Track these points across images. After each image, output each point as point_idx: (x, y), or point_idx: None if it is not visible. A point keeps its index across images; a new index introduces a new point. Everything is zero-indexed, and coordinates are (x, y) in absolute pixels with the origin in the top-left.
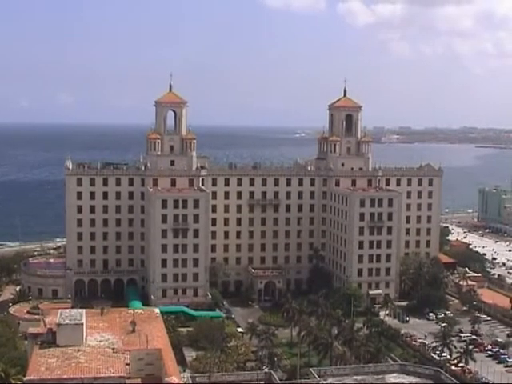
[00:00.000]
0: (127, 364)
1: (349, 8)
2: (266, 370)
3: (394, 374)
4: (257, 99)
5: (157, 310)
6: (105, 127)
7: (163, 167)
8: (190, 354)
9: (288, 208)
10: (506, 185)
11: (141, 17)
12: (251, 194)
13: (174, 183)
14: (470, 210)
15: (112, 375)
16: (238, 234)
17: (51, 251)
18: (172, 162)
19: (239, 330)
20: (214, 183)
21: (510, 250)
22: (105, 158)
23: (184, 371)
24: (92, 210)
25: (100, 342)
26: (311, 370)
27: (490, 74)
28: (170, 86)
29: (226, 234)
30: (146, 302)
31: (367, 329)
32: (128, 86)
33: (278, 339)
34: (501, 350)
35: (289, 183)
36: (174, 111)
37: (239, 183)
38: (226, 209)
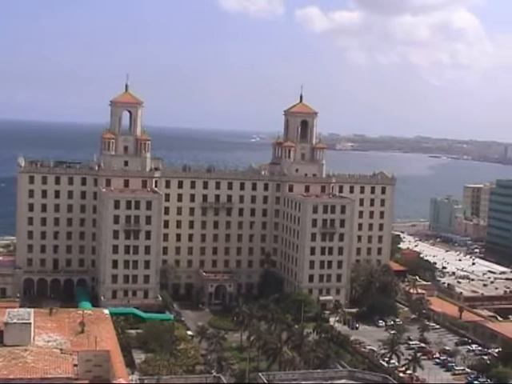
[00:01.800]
0: (75, 365)
1: (306, 14)
2: (214, 373)
3: (343, 381)
4: (214, 102)
5: (106, 312)
6: (61, 125)
7: (117, 167)
8: (138, 357)
9: (241, 212)
10: (457, 195)
11: (100, 17)
12: (204, 197)
13: (127, 184)
14: (421, 219)
15: (59, 376)
16: (190, 237)
17: (0, 249)
18: (126, 163)
19: (189, 333)
20: (168, 185)
21: (460, 260)
22: (58, 156)
23: (132, 373)
24: (43, 208)
25: (48, 342)
26: (260, 374)
27: (446, 85)
28: (126, 86)
29: (178, 237)
30: (96, 303)
31: (317, 334)
32: (86, 85)
33: (228, 343)
34: (448, 358)
35: (242, 187)
36: (129, 111)
37: (193, 186)
38: (179, 211)
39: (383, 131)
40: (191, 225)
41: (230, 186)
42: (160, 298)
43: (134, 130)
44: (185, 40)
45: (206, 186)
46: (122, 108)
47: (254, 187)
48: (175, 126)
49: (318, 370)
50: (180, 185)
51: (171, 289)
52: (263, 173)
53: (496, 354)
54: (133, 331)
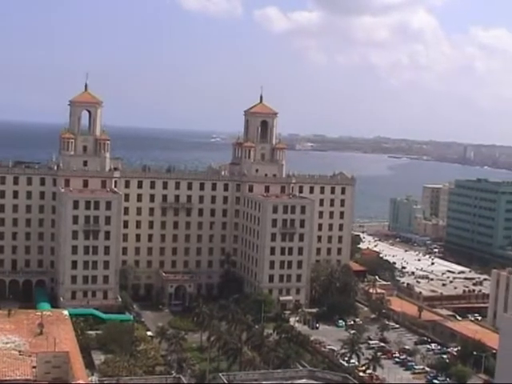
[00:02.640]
0: (34, 367)
1: (265, 14)
2: (174, 374)
3: (303, 380)
4: (174, 102)
5: (65, 313)
6: (21, 125)
7: (76, 167)
8: (98, 358)
9: (201, 212)
10: (416, 195)
11: (56, 15)
12: (164, 197)
13: (86, 184)
14: (381, 219)
15: (18, 378)
16: (150, 237)
17: None
18: (85, 163)
19: (149, 333)
20: (127, 185)
21: (419, 260)
22: (18, 156)
23: (92, 375)
24: (1, 209)
25: (6, 343)
26: (220, 374)
27: (405, 86)
28: (86, 86)
29: (138, 237)
30: (55, 304)
31: (277, 335)
32: (44, 85)
33: (188, 344)
34: (408, 358)
35: (202, 187)
36: (88, 111)
37: (152, 186)
38: (139, 211)
39: (343, 131)
40: (151, 225)
41: (189, 187)
42: (120, 299)
43: (93, 129)
44: (144, 39)
45: (165, 186)
46: (82, 108)
47: (214, 187)
48: (134, 126)
49: (279, 370)
50: (139, 185)
51: (131, 289)
52: (223, 173)
53: (455, 353)
54: (92, 332)
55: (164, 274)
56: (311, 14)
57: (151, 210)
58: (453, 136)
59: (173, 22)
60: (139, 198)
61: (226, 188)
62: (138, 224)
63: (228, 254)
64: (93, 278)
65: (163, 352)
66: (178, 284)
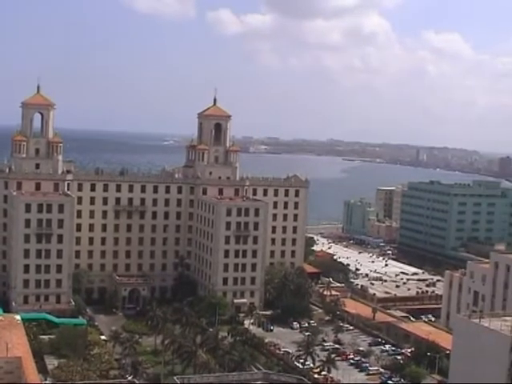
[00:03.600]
0: None
1: (218, 17)
2: (129, 378)
3: (258, 383)
4: (126, 105)
5: (18, 317)
6: None
7: (28, 170)
8: (51, 362)
9: (154, 215)
10: (370, 197)
11: (6, 15)
12: (117, 200)
13: (38, 187)
14: (335, 222)
15: None
16: (103, 241)
17: None
18: (37, 166)
19: (102, 337)
20: (80, 188)
21: (373, 261)
22: None
23: (45, 380)
24: None
25: None
26: (175, 378)
27: (358, 89)
28: (38, 88)
29: (91, 240)
30: (7, 309)
31: (232, 337)
32: None
33: (142, 347)
34: (362, 359)
35: (156, 190)
36: (41, 113)
37: (105, 189)
38: (92, 214)
39: (297, 134)
40: (104, 228)
41: (143, 189)
42: (73, 303)
43: (45, 132)
44: (94, 41)
45: (118, 189)
46: (34, 110)
47: (168, 190)
48: (87, 129)
49: (234, 373)
50: (93, 188)
51: (84, 293)
52: (177, 176)
53: (409, 354)
54: (45, 337)
55: (118, 277)
56: (264, 17)
57: (104, 213)
58: (406, 139)
59: (123, 24)
60: (92, 200)
61: (179, 191)
62: (91, 227)
63: (182, 256)
64: (45, 282)
65: (117, 356)
66: (131, 287)
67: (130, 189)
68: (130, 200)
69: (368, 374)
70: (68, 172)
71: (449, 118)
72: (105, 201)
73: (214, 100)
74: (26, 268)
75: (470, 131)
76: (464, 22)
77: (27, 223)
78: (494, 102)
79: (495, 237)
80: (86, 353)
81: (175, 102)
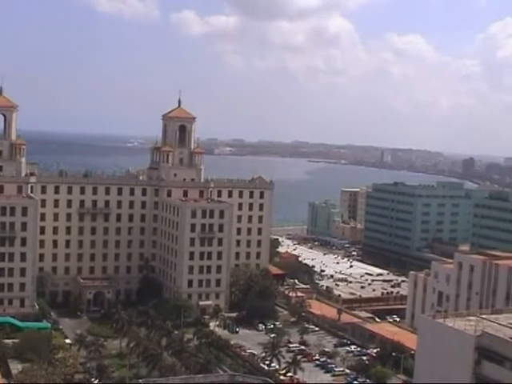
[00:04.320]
0: None
1: (182, 18)
2: (94, 381)
3: None
4: (90, 106)
5: None
6: None
7: None
8: (15, 367)
9: (119, 217)
10: (335, 199)
11: None
12: (81, 203)
13: (1, 190)
14: (300, 223)
15: None
16: (67, 243)
17: None
18: (0, 168)
19: (67, 341)
20: (44, 191)
21: (337, 263)
22: None
23: None
24: None
25: None
26: (140, 381)
27: (322, 90)
28: (1, 89)
29: (55, 243)
30: None
31: (197, 340)
32: None
33: (107, 350)
34: (328, 360)
35: (120, 192)
36: (3, 115)
37: (69, 191)
38: (56, 217)
39: (261, 136)
40: (68, 231)
41: (107, 192)
42: (37, 307)
43: (8, 134)
44: (57, 43)
45: (82, 191)
46: None
47: (132, 192)
48: (50, 131)
49: (199, 375)
50: (56, 190)
51: (48, 296)
52: (141, 178)
53: (374, 354)
54: (9, 341)
55: (82, 280)
56: (228, 19)
57: (68, 216)
58: (370, 140)
59: (87, 25)
60: (56, 203)
61: (144, 193)
62: (55, 230)
63: (147, 259)
64: (9, 286)
65: (82, 359)
66: (96, 290)
67: (95, 191)
68: (95, 202)
69: (334, 375)
70: (31, 174)
71: (412, 120)
72: (69, 203)
73: (179, 102)
74: None
75: (433, 132)
76: (427, 24)
77: None
78: (456, 104)
79: (459, 237)
80: (51, 357)
81: (140, 103)
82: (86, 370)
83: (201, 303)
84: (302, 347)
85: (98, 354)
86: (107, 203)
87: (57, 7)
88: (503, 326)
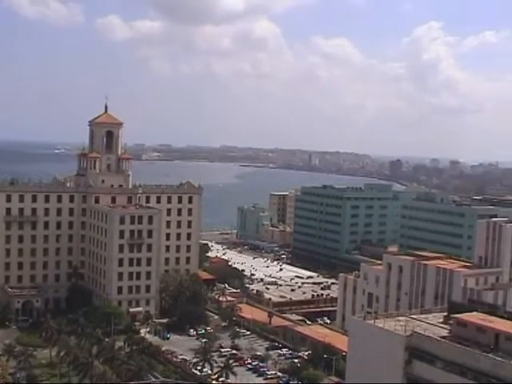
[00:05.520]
0: None
1: (107, 23)
2: None
3: None
4: (15, 113)
5: None
6: None
7: None
8: None
9: (46, 225)
10: (263, 203)
11: None
12: (8, 211)
13: None
14: (229, 228)
15: None
16: None
17: None
18: None
19: None
20: None
21: (267, 266)
22: None
23: None
24: None
25: None
26: None
27: (249, 94)
28: None
29: None
30: None
31: (128, 347)
32: None
33: (37, 360)
34: (260, 364)
35: (47, 200)
36: None
37: None
38: None
39: (190, 141)
40: None
41: (34, 199)
42: None
43: None
44: None
45: (9, 199)
46: None
47: (60, 199)
48: None
49: (131, 383)
50: None
51: None
52: (68, 185)
53: (306, 357)
54: None
55: (10, 289)
56: (153, 23)
57: None
58: (298, 143)
59: (10, 29)
60: None
61: (71, 200)
62: None
63: (75, 266)
64: None
65: (11, 370)
66: (24, 299)
67: (21, 199)
68: (21, 210)
69: (266, 379)
70: None
71: (340, 123)
72: None
73: (105, 107)
74: None
75: (360, 135)
76: (353, 28)
77: None
78: (384, 106)
79: (388, 239)
80: None
81: (66, 109)
82: (16, 380)
83: (131, 310)
84: (234, 351)
85: (27, 364)
86: (34, 211)
87: None
88: (432, 325)
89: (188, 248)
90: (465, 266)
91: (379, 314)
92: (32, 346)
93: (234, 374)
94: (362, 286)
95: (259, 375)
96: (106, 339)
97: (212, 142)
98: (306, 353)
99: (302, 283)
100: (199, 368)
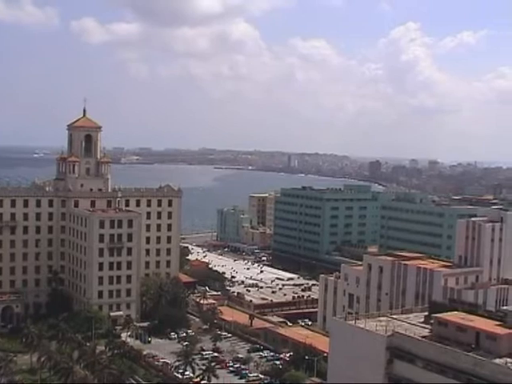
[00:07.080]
0: None
1: (83, 26)
2: None
3: None
4: None
5: None
6: None
7: None
8: None
9: (26, 230)
10: (243, 205)
11: None
12: None
13: None
14: (209, 230)
15: None
16: None
17: None
18: None
19: None
20: None
21: (248, 268)
22: None
23: None
24: None
25: None
26: None
27: (228, 97)
28: None
29: None
30: None
31: (109, 351)
32: None
33: (18, 366)
34: (242, 366)
35: (26, 204)
36: None
37: None
38: None
39: (169, 144)
40: None
41: (13, 204)
42: None
43: None
44: None
45: None
46: None
47: (39, 204)
48: None
49: None
50: None
51: None
52: (47, 189)
53: (287, 359)
54: None
55: None
56: (130, 26)
57: None
58: (277, 145)
59: None
60: None
61: (50, 204)
62: None
63: (55, 271)
64: None
65: None
66: (4, 305)
67: (0, 204)
68: (0, 215)
69: (248, 381)
70: None
71: (319, 124)
72: None
73: (84, 111)
74: None
75: (339, 136)
76: (331, 29)
77: None
78: (362, 108)
79: (367, 239)
80: None
81: (44, 113)
82: None
83: (112, 314)
84: (216, 354)
85: (8, 369)
86: (13, 216)
87: None
88: (413, 325)
89: (168, 251)
90: (445, 266)
91: (360, 314)
92: (12, 351)
93: (216, 376)
94: (343, 286)
95: (241, 377)
96: (87, 344)
97: (191, 145)
98: (288, 354)
99: (283, 285)
100: (181, 371)
